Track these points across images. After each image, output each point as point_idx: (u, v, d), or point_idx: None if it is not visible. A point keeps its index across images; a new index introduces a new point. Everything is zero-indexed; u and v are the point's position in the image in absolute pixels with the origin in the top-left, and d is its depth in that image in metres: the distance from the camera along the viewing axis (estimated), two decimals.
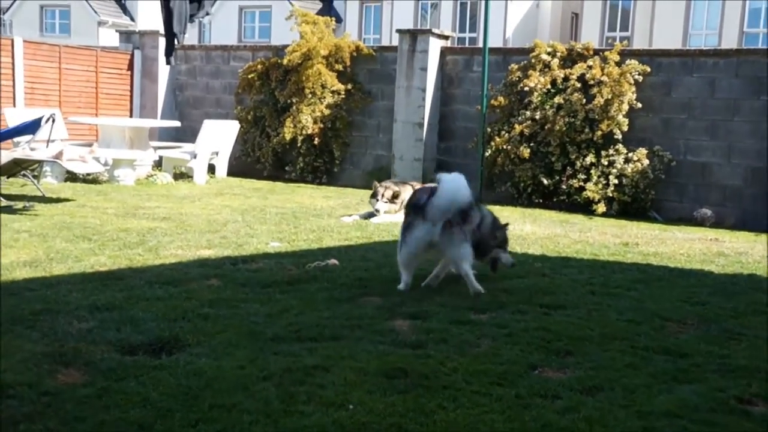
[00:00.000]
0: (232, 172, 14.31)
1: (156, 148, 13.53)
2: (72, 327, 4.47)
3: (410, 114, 13.26)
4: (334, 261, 6.70)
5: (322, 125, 13.82)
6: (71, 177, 11.93)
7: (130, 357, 4.05)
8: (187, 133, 15.08)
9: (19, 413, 3.26)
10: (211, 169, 13.94)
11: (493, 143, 12.25)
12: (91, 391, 3.54)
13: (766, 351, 4.67)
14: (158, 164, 13.51)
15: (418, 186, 10.34)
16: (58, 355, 3.98)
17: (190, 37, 14.55)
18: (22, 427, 3.14)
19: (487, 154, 12.30)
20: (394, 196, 9.77)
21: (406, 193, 9.90)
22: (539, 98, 11.94)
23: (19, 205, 9.14)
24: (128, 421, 3.23)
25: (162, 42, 13.96)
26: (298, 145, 13.88)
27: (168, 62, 13.25)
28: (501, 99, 12.39)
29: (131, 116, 15.53)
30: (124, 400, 3.43)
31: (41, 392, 3.50)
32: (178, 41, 12.68)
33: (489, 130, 12.43)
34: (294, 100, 13.86)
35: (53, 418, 3.25)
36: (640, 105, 11.49)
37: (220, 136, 13.58)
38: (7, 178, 10.33)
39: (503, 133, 12.24)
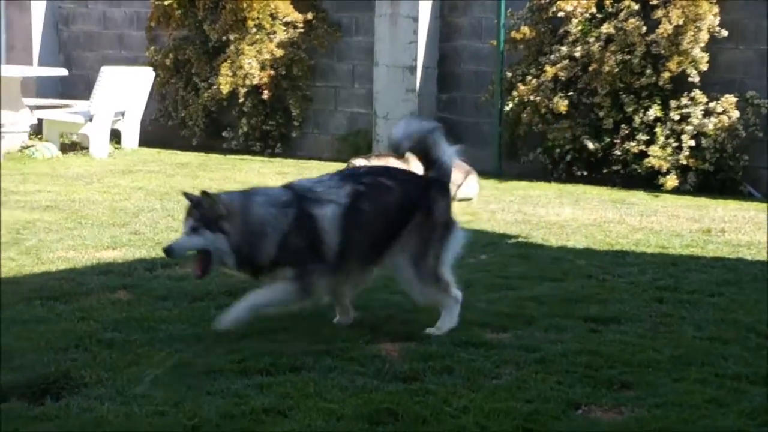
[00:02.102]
0: (147, 140, 14.30)
1: (33, 108, 13.46)
2: None
3: (397, 54, 13.26)
4: None
5: (273, 72, 13.81)
6: None
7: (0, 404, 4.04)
8: (78, 86, 15.03)
9: None
10: (116, 136, 13.91)
11: (515, 93, 12.28)
12: None
13: None
14: (37, 131, 13.45)
15: (413, 157, 10.43)
16: None
17: None
18: None
19: (507, 108, 12.33)
20: None
21: None
22: (580, 27, 11.97)
23: None
24: None
25: None
26: (240, 100, 13.86)
27: None
28: (526, 30, 12.40)
29: None
30: None
31: None
32: None
33: (509, 74, 12.44)
34: (232, 37, 13.84)
35: None
36: (725, 33, 11.53)
37: (126, 89, 13.54)
38: None
39: (529, 78, 12.27)
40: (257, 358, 4.66)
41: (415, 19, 13.10)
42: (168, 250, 5.02)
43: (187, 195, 5.05)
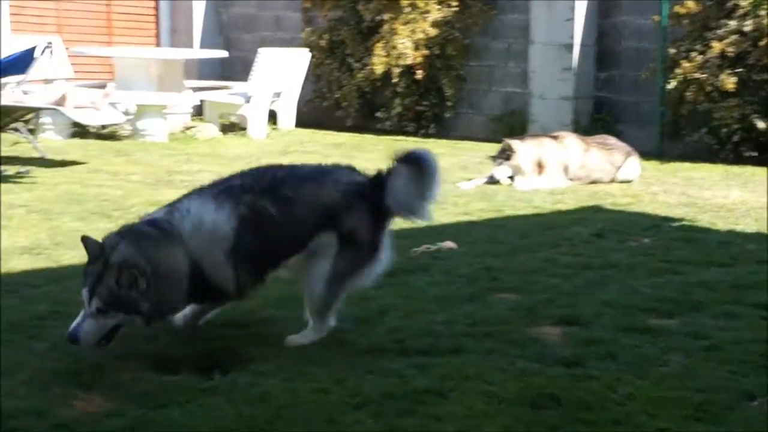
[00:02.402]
0: (302, 120, 14.53)
1: (196, 89, 13.84)
2: None
3: (554, 32, 13.10)
4: (449, 244, 6.72)
5: (426, 52, 13.80)
6: (80, 131, 12.35)
7: (171, 377, 4.17)
8: (236, 68, 15.36)
9: None
10: (272, 117, 14.16)
11: (678, 71, 11.95)
12: (121, 423, 3.66)
13: None
14: (198, 112, 13.83)
15: (569, 138, 10.33)
16: (74, 375, 4.14)
17: None
18: None
19: (669, 87, 12.02)
20: (505, 152, 9.77)
21: (542, 149, 9.87)
22: (751, 0, 11.57)
23: (11, 170, 9.54)
24: None
25: None
26: (394, 81, 13.91)
27: None
28: (690, 4, 12.05)
29: (158, 45, 15.95)
30: None
31: (53, 423, 3.64)
32: None
33: (672, 51, 12.13)
34: (386, 17, 13.90)
35: None
36: None
37: (282, 71, 13.78)
38: None
39: (694, 54, 11.92)
40: (417, 339, 4.69)
41: None
42: (73, 338, 4.18)
43: (88, 246, 4.32)
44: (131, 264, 4.16)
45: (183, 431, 3.58)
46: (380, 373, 4.23)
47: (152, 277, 4.19)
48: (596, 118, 13.05)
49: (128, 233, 4.38)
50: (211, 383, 4.07)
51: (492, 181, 9.80)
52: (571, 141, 10.21)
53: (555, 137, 10.26)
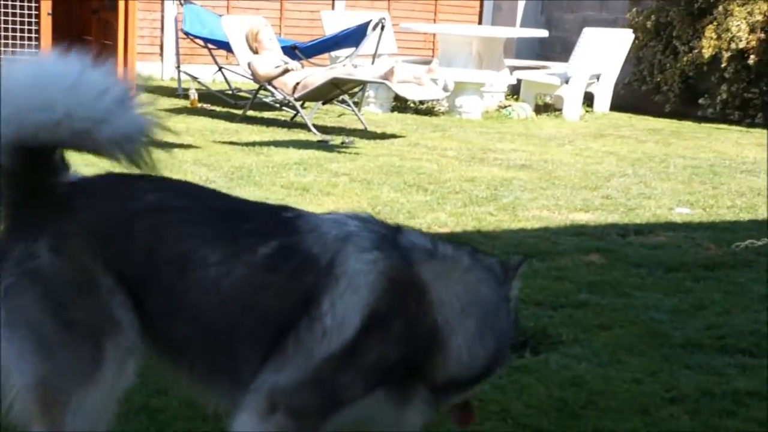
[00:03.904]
0: (618, 104, 14.29)
1: (513, 69, 13.93)
2: None
3: None
4: None
5: (763, 35, 13.12)
6: (400, 105, 12.74)
7: None
8: (555, 48, 15.34)
9: None
10: (588, 99, 14.02)
11: None
12: None
13: None
14: (515, 91, 13.91)
15: None
16: None
17: None
18: None
19: None
20: None
21: None
22: None
23: (337, 140, 10.02)
24: None
25: None
26: (722, 65, 13.34)
27: None
28: None
29: (480, 23, 16.17)
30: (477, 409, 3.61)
31: None
32: None
33: None
34: None
35: None
36: None
37: (604, 52, 13.60)
38: (323, 104, 11.33)
39: None
40: (738, 337, 4.55)
41: None
42: None
43: None
44: None
45: (494, 407, 3.63)
46: (697, 369, 4.16)
47: None
48: None
49: None
50: (523, 361, 4.12)
51: None
52: None
53: None
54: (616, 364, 4.12)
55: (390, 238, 2.69)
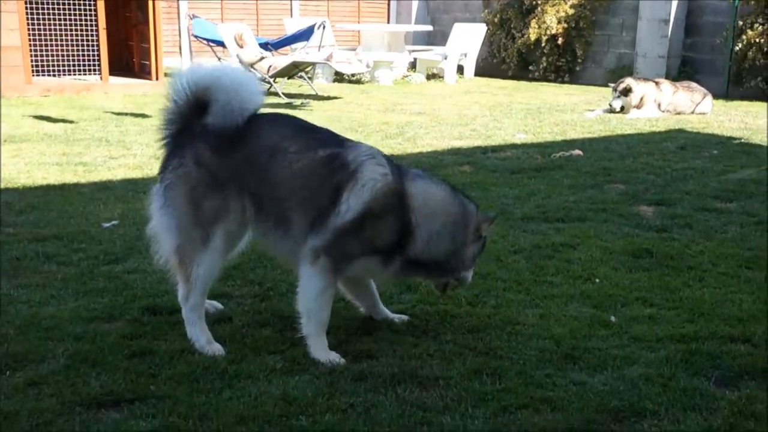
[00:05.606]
0: (479, 72, 14.21)
1: (410, 51, 13.76)
2: None
3: (656, 11, 12.20)
4: (578, 151, 6.54)
5: (566, 25, 13.18)
6: (338, 77, 12.56)
7: None
8: (437, 37, 15.15)
9: None
10: (460, 69, 13.93)
11: (744, 37, 10.96)
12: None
13: None
14: (412, 66, 13.77)
15: (664, 83, 9.69)
16: None
17: None
18: None
19: (737, 48, 11.06)
20: (626, 90, 9.21)
21: (646, 90, 9.30)
22: None
23: (298, 101, 9.83)
24: None
25: None
26: (542, 45, 13.39)
27: None
28: None
29: (388, 22, 15.89)
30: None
31: None
32: None
33: (740, 23, 11.12)
34: (539, 2, 13.30)
35: None
36: None
37: (468, 38, 13.49)
38: (287, 79, 11.13)
39: (757, 26, 10.89)
40: (555, 211, 4.66)
41: None
42: None
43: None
44: None
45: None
46: (530, 232, 4.25)
47: None
48: (682, 71, 12.17)
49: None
50: None
51: (609, 111, 9.38)
52: (665, 85, 9.59)
53: (656, 82, 9.65)
54: None
55: (397, 165, 2.81)
